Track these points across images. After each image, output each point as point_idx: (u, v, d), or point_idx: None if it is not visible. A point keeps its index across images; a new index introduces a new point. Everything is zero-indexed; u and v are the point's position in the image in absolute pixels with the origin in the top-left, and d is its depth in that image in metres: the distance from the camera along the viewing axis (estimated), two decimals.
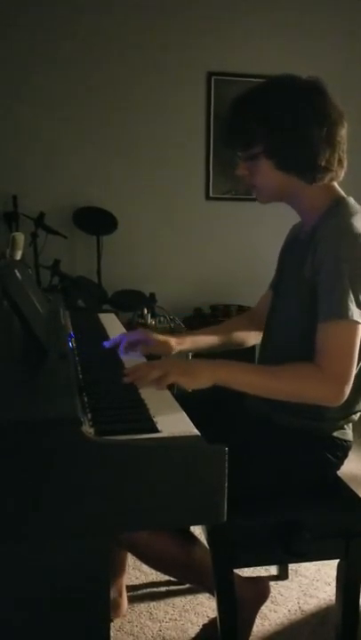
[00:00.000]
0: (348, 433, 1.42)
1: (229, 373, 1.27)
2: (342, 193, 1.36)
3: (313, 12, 3.92)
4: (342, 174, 1.35)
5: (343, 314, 1.20)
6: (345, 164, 1.34)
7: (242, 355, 1.62)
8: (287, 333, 1.40)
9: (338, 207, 1.31)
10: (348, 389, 1.23)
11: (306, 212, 1.39)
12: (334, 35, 3.97)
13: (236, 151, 1.36)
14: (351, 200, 1.34)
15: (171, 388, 1.24)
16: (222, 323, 1.73)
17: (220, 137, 1.44)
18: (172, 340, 1.51)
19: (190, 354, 3.18)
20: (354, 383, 1.25)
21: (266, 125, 1.28)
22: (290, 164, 1.30)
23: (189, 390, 1.25)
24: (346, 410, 1.36)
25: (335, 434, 1.39)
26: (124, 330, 1.85)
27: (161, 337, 1.52)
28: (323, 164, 1.28)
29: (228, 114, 1.35)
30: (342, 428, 1.40)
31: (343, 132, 1.31)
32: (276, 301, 1.51)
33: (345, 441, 1.41)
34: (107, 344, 1.53)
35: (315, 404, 1.28)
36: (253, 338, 1.66)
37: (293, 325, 1.37)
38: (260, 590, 1.56)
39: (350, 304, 1.21)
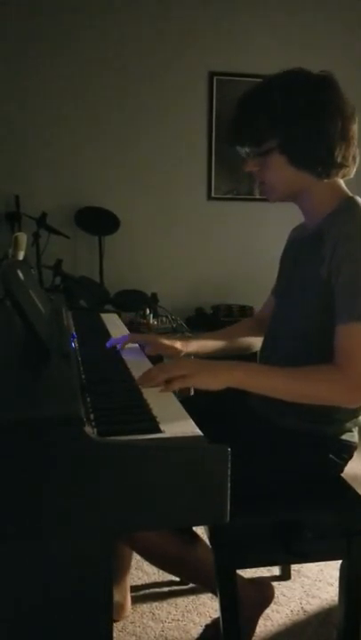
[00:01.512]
0: (355, 435, 1.41)
1: (246, 375, 1.23)
2: (349, 192, 1.35)
3: (314, 12, 3.92)
4: (354, 171, 1.34)
5: None
6: (358, 160, 1.33)
7: (244, 359, 1.62)
8: (294, 334, 1.37)
9: (350, 207, 1.28)
10: None
11: (312, 210, 1.37)
12: (335, 34, 3.97)
13: (245, 148, 1.33)
14: (359, 199, 1.33)
15: None
16: (227, 327, 1.72)
17: (225, 134, 1.40)
18: (178, 344, 1.51)
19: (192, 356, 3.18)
20: None
21: (280, 120, 1.26)
22: (305, 160, 1.28)
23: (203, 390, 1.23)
24: (354, 412, 1.36)
25: (344, 436, 1.38)
26: (125, 330, 1.85)
27: (167, 341, 1.51)
28: (339, 159, 1.27)
29: (237, 110, 1.32)
30: (350, 431, 1.39)
31: (355, 128, 1.29)
32: (280, 304, 1.49)
33: (352, 443, 1.40)
34: (109, 344, 1.53)
35: (332, 405, 1.26)
36: (260, 343, 1.65)
37: (300, 326, 1.35)
38: (264, 593, 1.56)
39: None
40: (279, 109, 1.26)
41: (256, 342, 1.65)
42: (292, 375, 1.25)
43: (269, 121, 1.27)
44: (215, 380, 1.21)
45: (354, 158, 1.31)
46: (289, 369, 1.27)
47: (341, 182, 1.36)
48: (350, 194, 1.34)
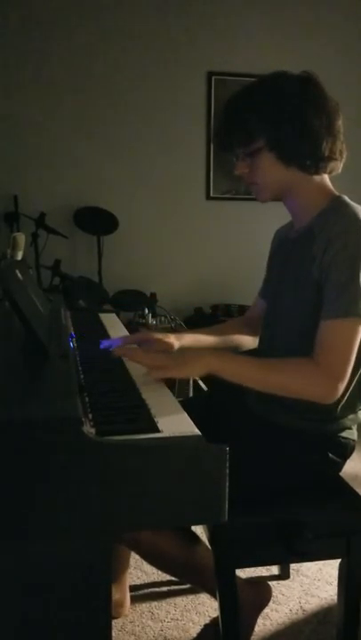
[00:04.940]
0: (354, 432, 1.41)
1: (221, 362, 1.25)
2: (335, 191, 1.37)
3: (313, 12, 3.92)
4: (341, 165, 1.36)
5: (352, 311, 1.20)
6: (345, 154, 1.35)
7: None
8: (290, 335, 1.37)
9: (339, 207, 1.30)
10: (342, 387, 1.22)
11: (301, 210, 1.38)
12: (334, 34, 3.97)
13: (235, 151, 1.36)
14: (347, 198, 1.34)
15: (172, 386, 1.24)
16: (217, 325, 1.73)
17: (215, 139, 1.43)
18: (172, 337, 1.50)
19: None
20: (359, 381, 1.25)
21: (267, 118, 1.28)
22: (293, 155, 1.30)
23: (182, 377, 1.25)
24: (354, 408, 1.36)
25: (343, 434, 1.39)
26: (124, 330, 1.85)
27: (161, 335, 1.52)
28: (326, 153, 1.29)
29: (223, 115, 1.35)
30: (349, 428, 1.40)
31: (340, 123, 1.32)
32: (273, 306, 1.49)
33: (351, 440, 1.40)
34: (104, 344, 1.52)
35: (306, 399, 1.26)
36: (249, 342, 1.66)
37: (295, 326, 1.35)
38: (261, 594, 1.56)
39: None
40: (265, 109, 1.28)
41: (245, 341, 1.66)
42: (268, 366, 1.27)
43: (257, 121, 1.29)
44: (191, 368, 1.25)
45: (341, 153, 1.33)
46: (266, 360, 1.30)
47: (329, 182, 1.38)
48: (337, 193, 1.37)
